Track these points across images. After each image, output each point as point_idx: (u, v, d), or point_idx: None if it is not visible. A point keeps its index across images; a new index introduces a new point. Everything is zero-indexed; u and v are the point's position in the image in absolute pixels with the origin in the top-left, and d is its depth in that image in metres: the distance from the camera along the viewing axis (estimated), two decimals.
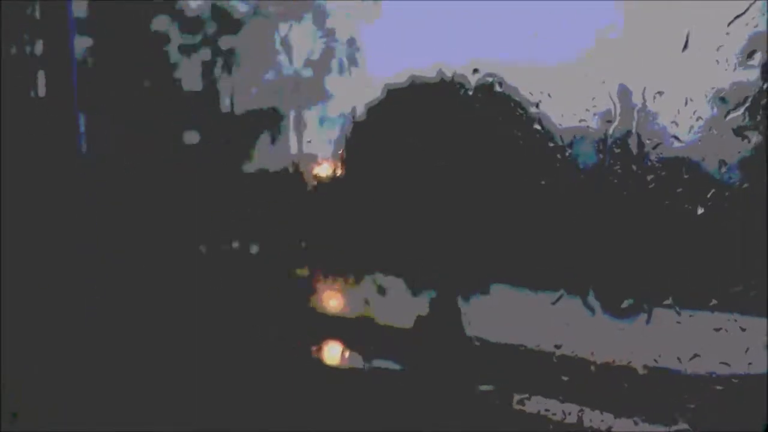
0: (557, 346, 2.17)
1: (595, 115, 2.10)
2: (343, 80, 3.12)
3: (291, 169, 3.29)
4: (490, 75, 2.33)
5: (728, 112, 1.87)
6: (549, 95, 2.20)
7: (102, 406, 3.24)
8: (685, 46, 1.86)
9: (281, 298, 3.31)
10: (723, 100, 1.88)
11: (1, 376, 3.24)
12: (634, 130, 2.05)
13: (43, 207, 3.27)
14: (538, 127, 2.23)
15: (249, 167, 3.57)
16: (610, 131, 2.07)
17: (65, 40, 3.23)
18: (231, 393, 3.29)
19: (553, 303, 2.23)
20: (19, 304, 3.32)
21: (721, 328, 1.91)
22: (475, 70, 2.37)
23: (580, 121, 2.14)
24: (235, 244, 3.73)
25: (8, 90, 3.42)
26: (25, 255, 3.37)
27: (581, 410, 2.18)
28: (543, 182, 2.24)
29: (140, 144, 3.63)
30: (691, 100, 1.93)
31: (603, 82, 2.04)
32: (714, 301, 1.91)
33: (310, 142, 3.26)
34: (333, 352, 3.33)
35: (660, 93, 2.02)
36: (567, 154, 2.20)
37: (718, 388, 1.93)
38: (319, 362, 3.27)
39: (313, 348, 3.30)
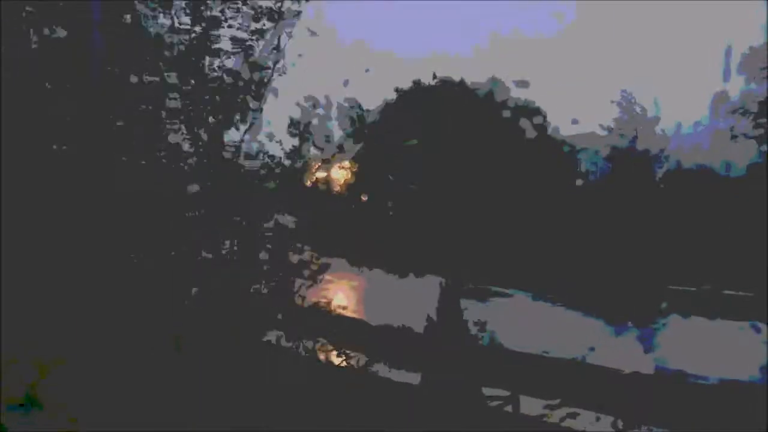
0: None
1: (601, 122, 2.12)
2: None
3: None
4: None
5: (735, 119, 1.89)
6: (554, 102, 2.23)
7: None
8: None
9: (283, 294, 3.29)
10: (730, 106, 1.90)
11: None
12: (642, 137, 2.07)
13: None
14: (545, 134, 2.25)
15: None
16: (619, 138, 2.09)
17: None
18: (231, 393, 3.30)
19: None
20: None
21: (728, 335, 1.93)
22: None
23: (585, 130, 2.16)
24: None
25: None
26: None
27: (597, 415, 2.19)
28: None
29: None
30: (697, 106, 1.96)
31: (609, 88, 2.05)
32: (720, 308, 1.93)
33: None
34: (339, 353, 3.33)
35: (665, 98, 2.05)
36: (574, 161, 2.21)
37: (723, 390, 1.96)
38: (327, 362, 3.26)
39: (319, 347, 3.29)
